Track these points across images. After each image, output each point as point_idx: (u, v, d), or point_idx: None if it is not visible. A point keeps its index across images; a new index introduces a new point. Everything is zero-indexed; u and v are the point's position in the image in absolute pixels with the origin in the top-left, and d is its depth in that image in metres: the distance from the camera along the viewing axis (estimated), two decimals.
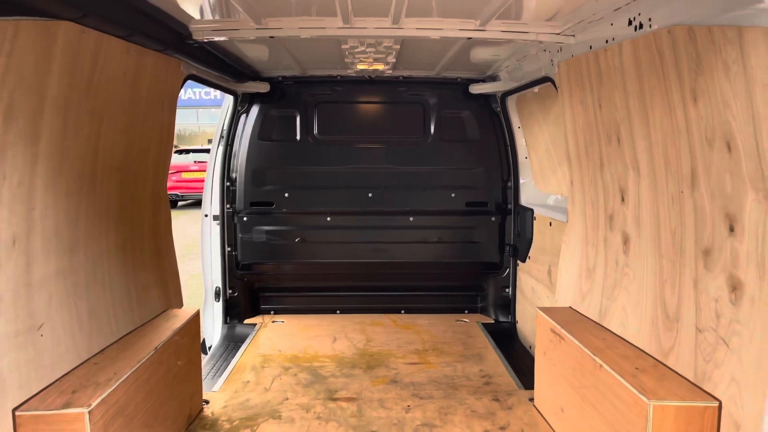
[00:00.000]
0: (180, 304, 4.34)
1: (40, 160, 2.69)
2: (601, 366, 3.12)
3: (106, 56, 3.05)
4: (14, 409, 2.50)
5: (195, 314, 4.05)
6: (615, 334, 3.52)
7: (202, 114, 40.79)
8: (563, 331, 3.68)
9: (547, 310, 4.10)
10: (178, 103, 4.21)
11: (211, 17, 3.69)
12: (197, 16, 3.63)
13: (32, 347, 2.64)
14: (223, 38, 3.90)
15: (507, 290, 6.35)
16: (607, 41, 3.36)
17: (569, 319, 3.89)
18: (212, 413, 4.11)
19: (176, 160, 25.27)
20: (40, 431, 2.51)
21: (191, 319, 3.98)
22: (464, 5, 3.45)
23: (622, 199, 3.49)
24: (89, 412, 2.57)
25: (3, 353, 2.46)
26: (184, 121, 44.10)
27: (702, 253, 2.70)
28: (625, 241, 3.48)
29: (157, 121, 3.89)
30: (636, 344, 3.28)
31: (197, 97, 40.29)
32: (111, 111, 3.23)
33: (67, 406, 2.57)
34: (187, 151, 24.76)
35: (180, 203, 23.34)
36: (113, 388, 2.79)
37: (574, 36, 3.84)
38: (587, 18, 3.45)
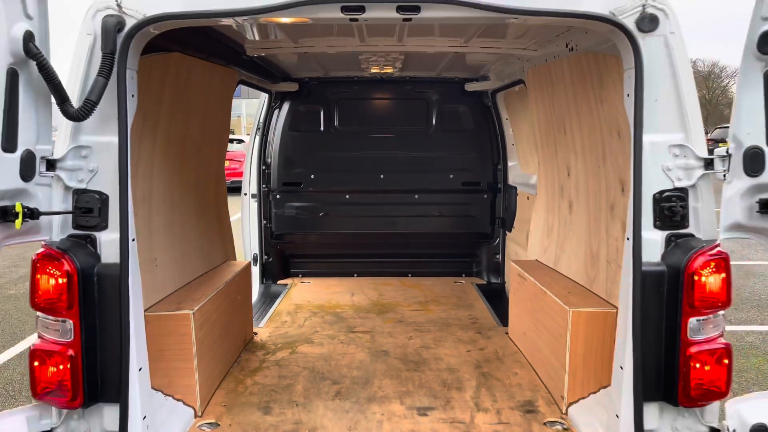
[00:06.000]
0: (235, 258, 5.62)
1: (157, 145, 3.95)
2: (545, 293, 4.34)
3: (192, 73, 4.29)
4: (145, 311, 3.76)
5: (247, 265, 5.33)
6: (562, 274, 4.73)
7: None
8: (526, 274, 4.89)
9: (517, 261, 5.31)
10: None
11: (259, 38, 4.92)
12: (251, 38, 4.86)
13: (151, 272, 3.90)
14: (269, 53, 5.12)
15: (497, 256, 7.54)
16: (555, 57, 4.54)
17: (533, 266, 5.10)
18: (261, 340, 5.39)
19: None
20: (161, 326, 3.76)
21: (245, 268, 5.25)
22: (451, 30, 4.63)
23: (568, 174, 4.68)
24: (193, 314, 3.83)
25: (141, 273, 3.70)
26: None
27: (609, 208, 3.90)
28: (570, 205, 4.68)
29: (218, 117, 5.15)
30: (574, 279, 4.49)
31: None
32: (194, 112, 4.48)
33: (178, 309, 3.84)
34: None
35: None
36: (204, 302, 4.06)
37: (536, 51, 5.01)
38: (542, 39, 4.63)
